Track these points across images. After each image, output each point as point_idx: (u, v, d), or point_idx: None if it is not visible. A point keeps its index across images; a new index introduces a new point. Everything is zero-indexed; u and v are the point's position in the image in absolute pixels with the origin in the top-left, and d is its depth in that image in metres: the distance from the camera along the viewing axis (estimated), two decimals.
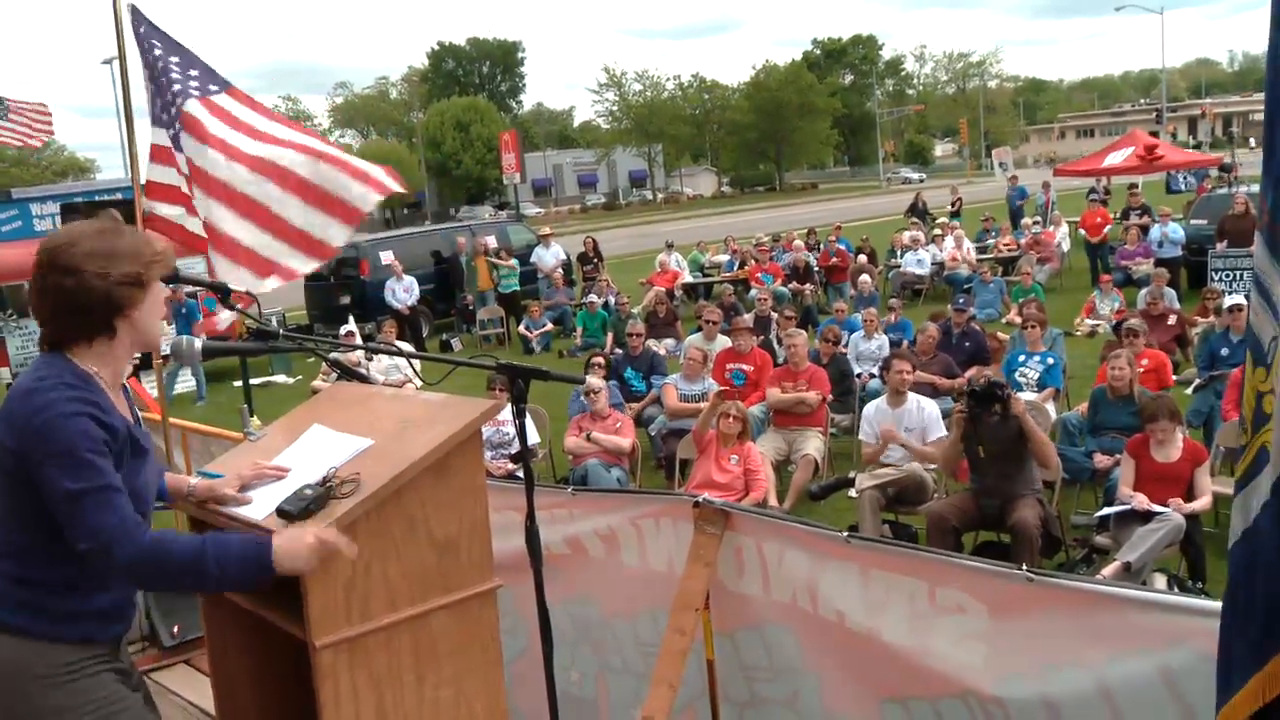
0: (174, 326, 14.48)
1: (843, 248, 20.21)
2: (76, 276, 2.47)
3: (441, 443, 2.84)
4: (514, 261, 19.80)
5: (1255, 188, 19.56)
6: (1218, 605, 2.43)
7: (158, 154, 5.54)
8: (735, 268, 21.28)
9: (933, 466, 7.55)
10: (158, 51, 5.50)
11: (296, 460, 3.02)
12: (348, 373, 3.77)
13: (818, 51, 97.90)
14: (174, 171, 5.43)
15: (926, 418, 7.64)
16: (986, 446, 6.67)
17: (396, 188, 5.41)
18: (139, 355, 3.47)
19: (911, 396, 7.80)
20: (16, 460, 2.43)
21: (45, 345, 2.57)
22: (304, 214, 5.22)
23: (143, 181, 5.62)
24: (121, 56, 5.59)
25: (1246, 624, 1.84)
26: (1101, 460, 7.42)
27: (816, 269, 19.90)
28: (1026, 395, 9.03)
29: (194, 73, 5.53)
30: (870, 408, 8.14)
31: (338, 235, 5.25)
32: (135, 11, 5.55)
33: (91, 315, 2.52)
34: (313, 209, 5.22)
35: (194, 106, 5.35)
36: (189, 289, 13.49)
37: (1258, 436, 1.84)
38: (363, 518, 2.72)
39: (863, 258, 20.01)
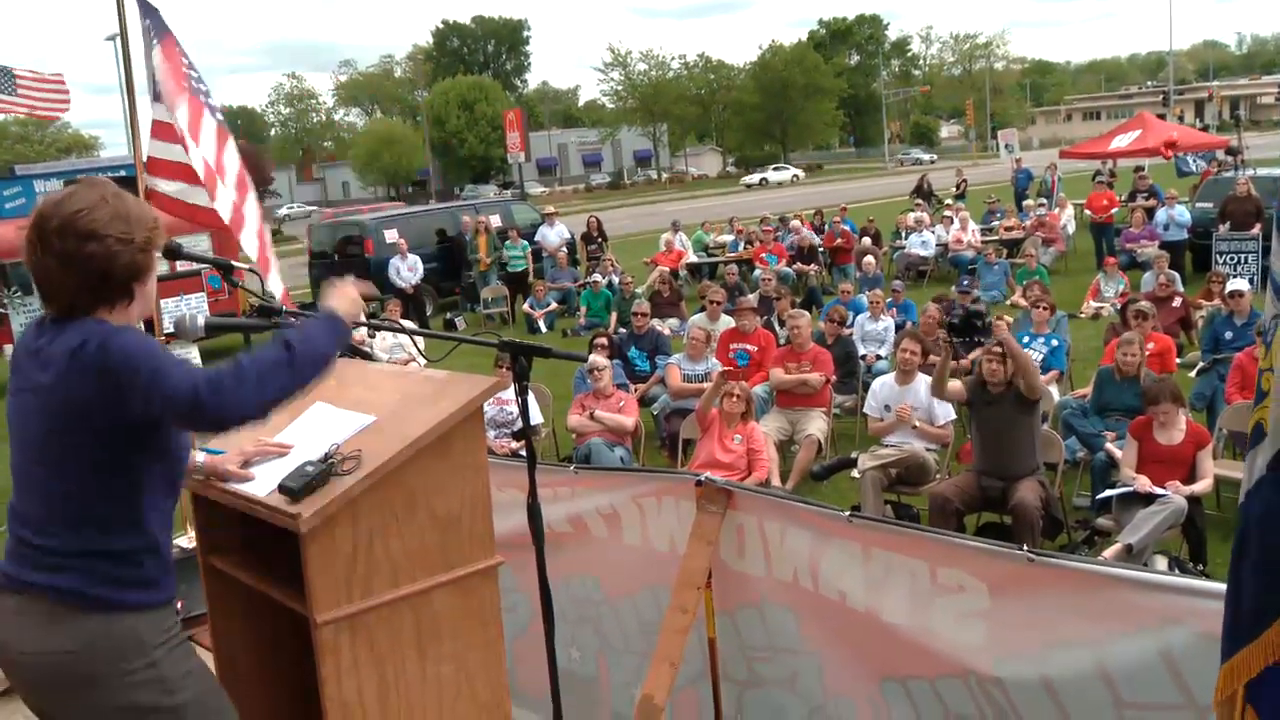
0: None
1: (847, 229, 20.15)
2: (101, 242, 2.42)
3: (443, 419, 2.84)
4: (523, 241, 19.77)
5: (1263, 171, 19.51)
6: (1216, 586, 2.45)
7: (158, 130, 5.52)
8: (740, 248, 21.24)
9: (935, 447, 7.55)
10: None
11: (299, 437, 3.02)
12: (351, 350, 3.77)
13: (823, 31, 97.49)
14: (179, 149, 5.40)
15: (933, 399, 7.63)
16: (987, 426, 6.68)
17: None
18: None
19: (920, 377, 7.80)
20: (97, 404, 2.37)
21: (60, 312, 2.48)
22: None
23: (144, 158, 5.60)
24: (123, 33, 5.58)
25: (1238, 590, 1.88)
26: (1111, 439, 7.40)
27: (821, 250, 19.86)
28: None
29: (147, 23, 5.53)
30: (877, 383, 8.14)
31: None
32: None
33: (113, 281, 2.47)
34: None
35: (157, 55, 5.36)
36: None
37: (1255, 412, 1.90)
38: (364, 494, 2.73)
39: (867, 239, 19.96)
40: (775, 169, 73.68)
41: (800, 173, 73.56)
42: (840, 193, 43.61)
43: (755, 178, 70.64)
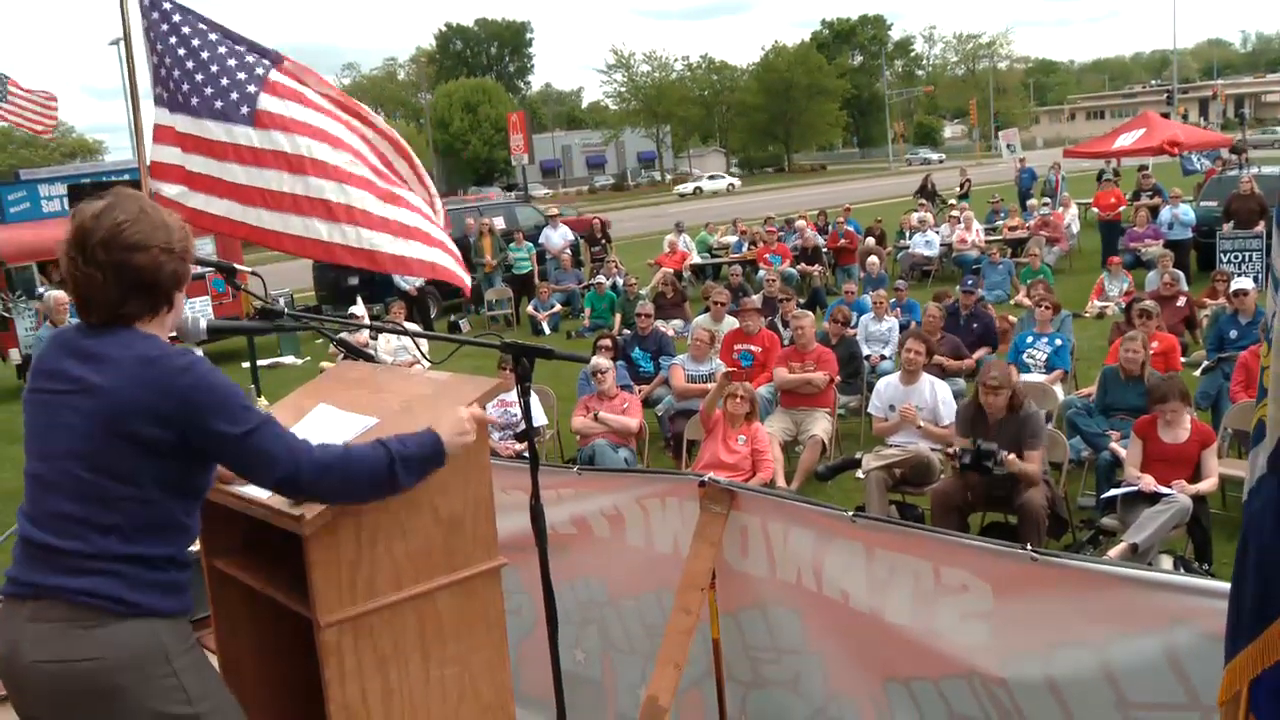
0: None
1: (851, 229, 20.15)
2: (147, 252, 2.46)
3: None
4: (527, 243, 19.78)
5: (1267, 169, 19.46)
6: (1221, 586, 2.44)
7: (161, 134, 5.54)
8: (744, 249, 21.24)
9: (939, 447, 7.53)
10: (210, 36, 5.50)
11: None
12: (354, 352, 3.77)
13: (826, 32, 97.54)
14: (177, 151, 5.42)
15: (938, 399, 7.62)
16: (992, 434, 6.65)
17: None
18: None
19: (925, 377, 7.78)
20: (160, 423, 2.40)
21: (102, 320, 2.50)
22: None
23: (148, 162, 5.62)
24: (127, 37, 5.59)
25: (1241, 589, 1.88)
26: (1116, 439, 7.38)
27: (825, 250, 19.85)
28: (1034, 377, 9.02)
29: (240, 48, 5.55)
30: (882, 383, 8.13)
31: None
32: None
33: (158, 290, 2.51)
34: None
35: (266, 101, 5.42)
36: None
37: (1257, 410, 1.90)
38: None
39: (871, 239, 19.94)
40: (711, 177, 72.90)
41: (736, 181, 72.60)
42: (844, 193, 43.58)
43: (689, 186, 69.83)
